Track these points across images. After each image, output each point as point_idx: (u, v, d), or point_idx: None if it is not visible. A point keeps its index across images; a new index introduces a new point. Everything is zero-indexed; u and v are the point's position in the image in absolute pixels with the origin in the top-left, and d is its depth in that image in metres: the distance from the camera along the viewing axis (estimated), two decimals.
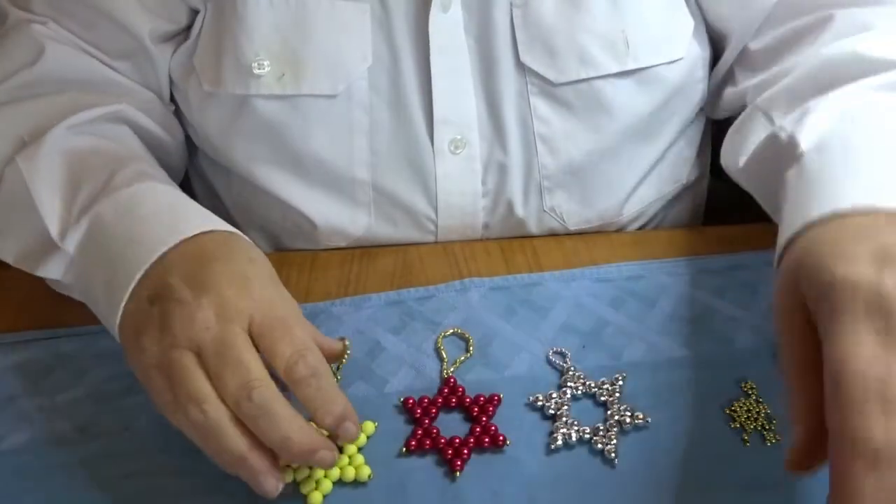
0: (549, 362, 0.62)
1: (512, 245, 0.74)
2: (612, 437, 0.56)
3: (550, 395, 0.59)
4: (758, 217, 0.72)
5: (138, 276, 0.54)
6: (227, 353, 0.49)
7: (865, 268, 0.39)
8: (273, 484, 0.50)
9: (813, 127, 0.55)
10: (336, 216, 0.72)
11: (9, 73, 0.67)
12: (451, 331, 0.64)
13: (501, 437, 0.56)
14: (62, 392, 0.60)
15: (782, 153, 0.57)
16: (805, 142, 0.54)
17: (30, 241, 0.61)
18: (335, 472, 0.54)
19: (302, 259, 0.72)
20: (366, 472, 0.54)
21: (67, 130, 0.64)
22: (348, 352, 0.60)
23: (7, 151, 0.63)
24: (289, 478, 0.54)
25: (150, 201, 0.58)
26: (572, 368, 0.61)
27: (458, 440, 0.56)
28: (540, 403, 0.59)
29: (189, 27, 0.70)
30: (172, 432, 0.57)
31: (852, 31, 0.62)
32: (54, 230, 0.59)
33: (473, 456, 0.56)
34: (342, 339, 0.60)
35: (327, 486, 0.54)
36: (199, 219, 0.57)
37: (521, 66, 0.69)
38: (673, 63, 0.71)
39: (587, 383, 0.60)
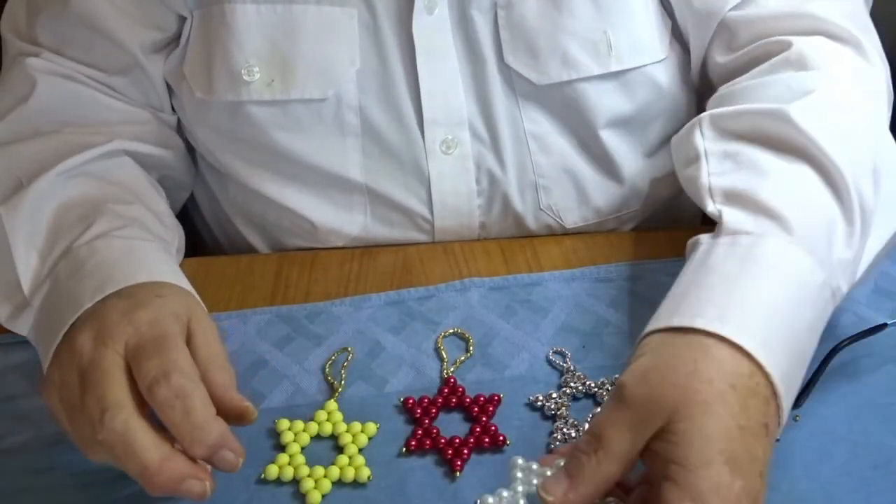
0: (549, 362, 0.62)
1: (512, 245, 0.74)
2: None
3: (550, 395, 0.59)
4: None
5: (62, 332, 0.53)
6: (91, 375, 0.49)
7: (718, 468, 0.42)
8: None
9: (737, 213, 0.54)
10: (332, 217, 0.72)
11: (7, 109, 0.67)
12: (452, 331, 0.64)
13: (501, 437, 0.56)
14: None
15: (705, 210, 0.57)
16: (726, 226, 0.53)
17: (3, 294, 0.60)
18: (335, 473, 0.54)
19: (302, 259, 0.72)
20: (365, 473, 0.54)
21: (57, 177, 0.63)
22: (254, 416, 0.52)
23: (6, 194, 0.63)
24: (288, 477, 0.54)
25: (94, 260, 0.57)
26: (572, 368, 0.61)
27: (458, 440, 0.56)
28: (540, 403, 0.59)
29: (178, 35, 0.70)
30: None
31: (799, 65, 0.61)
32: (27, 288, 0.58)
33: (473, 456, 0.56)
34: (247, 406, 0.51)
35: (327, 485, 0.54)
36: (134, 271, 0.55)
37: (505, 68, 0.69)
38: (656, 63, 0.70)
39: (587, 383, 0.60)
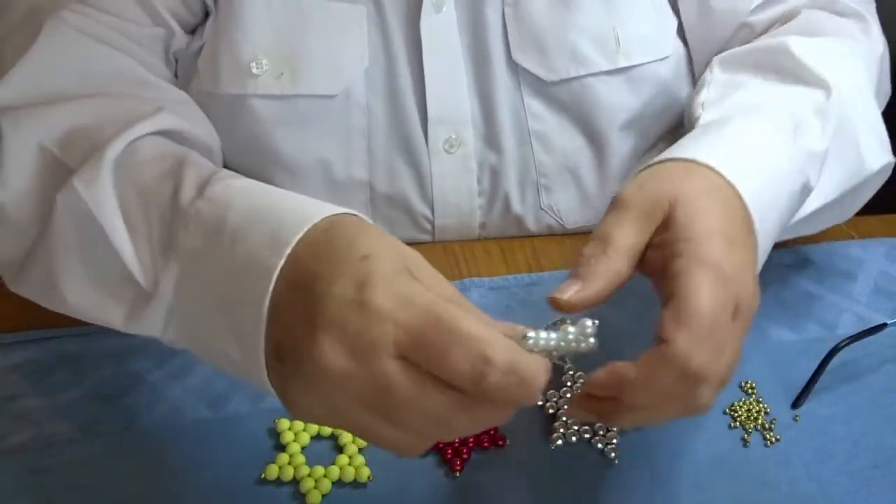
0: (555, 365, 0.62)
1: (512, 245, 0.74)
2: (613, 436, 0.56)
3: (551, 393, 0.59)
4: None
5: (266, 303, 0.42)
6: (392, 397, 0.39)
7: (721, 245, 0.46)
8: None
9: (714, 107, 0.60)
10: None
11: (14, 60, 0.58)
12: None
13: (501, 438, 0.56)
14: (62, 392, 0.60)
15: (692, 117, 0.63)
16: (703, 119, 0.60)
17: (106, 288, 0.50)
18: (335, 473, 0.54)
19: None
20: (365, 473, 0.54)
21: (127, 147, 0.53)
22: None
23: (32, 165, 0.54)
24: (288, 476, 0.54)
25: (234, 210, 0.46)
26: (572, 368, 0.61)
27: (457, 440, 0.56)
28: (540, 402, 0.59)
29: (195, 28, 0.69)
30: (172, 432, 0.57)
31: (809, 31, 0.66)
32: (142, 278, 0.48)
33: (473, 456, 0.56)
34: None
35: (327, 485, 0.54)
36: (291, 214, 0.45)
37: (513, 65, 0.69)
38: (661, 61, 0.71)
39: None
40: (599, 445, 0.56)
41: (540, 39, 0.68)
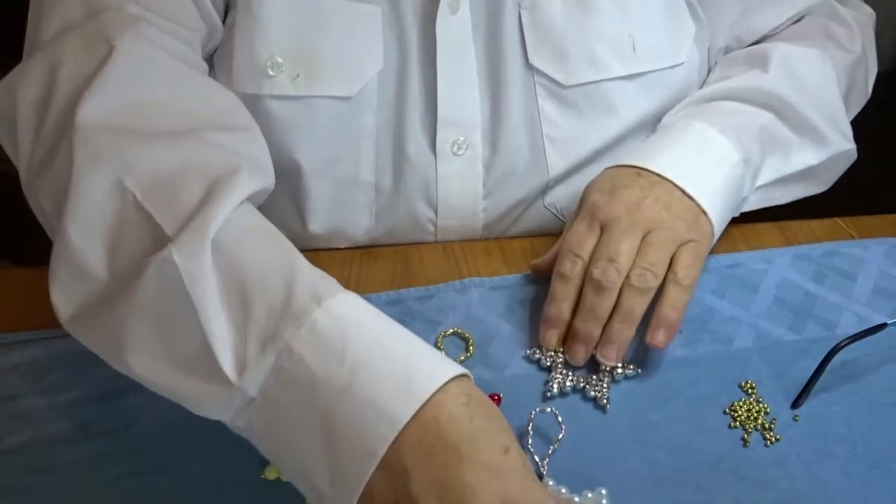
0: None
1: (512, 245, 0.74)
2: (604, 385, 0.60)
3: (546, 351, 0.62)
4: (757, 217, 0.73)
5: (382, 453, 0.43)
6: None
7: (598, 195, 0.64)
8: None
9: (672, 114, 0.73)
10: (338, 218, 0.72)
11: (91, 71, 0.53)
12: (451, 331, 0.64)
13: (496, 394, 0.57)
14: (62, 392, 0.60)
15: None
16: (660, 124, 0.72)
17: (181, 364, 0.47)
18: None
19: None
20: None
21: (230, 218, 0.49)
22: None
23: (109, 208, 0.49)
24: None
25: (357, 336, 0.45)
26: None
27: None
28: (537, 356, 0.62)
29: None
30: (172, 432, 0.57)
31: (799, 36, 0.76)
32: (228, 363, 0.46)
33: None
34: None
35: None
36: (428, 360, 0.46)
37: (529, 68, 0.69)
38: (675, 67, 0.72)
39: None
40: (592, 393, 0.60)
41: (558, 43, 0.68)
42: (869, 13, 0.81)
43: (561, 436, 0.56)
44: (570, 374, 0.61)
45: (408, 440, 0.43)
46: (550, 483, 0.54)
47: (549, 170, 0.72)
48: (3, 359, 0.62)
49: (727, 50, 0.78)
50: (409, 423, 0.43)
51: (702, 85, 0.78)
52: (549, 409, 0.57)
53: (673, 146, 0.67)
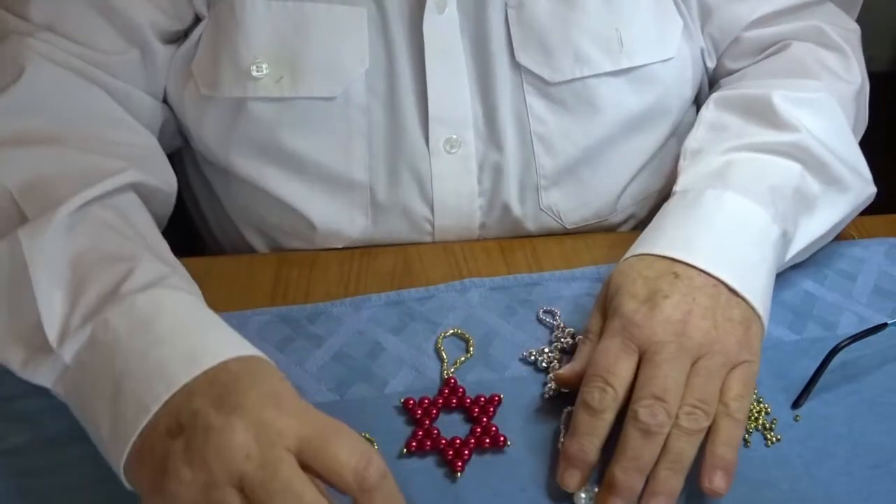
0: (540, 321, 0.65)
1: (512, 245, 0.74)
2: None
3: (542, 349, 0.62)
4: None
5: (153, 410, 0.47)
6: (275, 482, 0.43)
7: (633, 304, 0.56)
8: None
9: (693, 173, 0.65)
10: (334, 218, 0.72)
11: None
12: (452, 331, 0.64)
13: (502, 438, 0.56)
14: None
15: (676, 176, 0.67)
16: (679, 185, 0.65)
17: (15, 332, 0.53)
18: None
19: (302, 259, 0.72)
20: None
21: (78, 210, 0.55)
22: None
23: (22, 216, 0.56)
24: None
25: (165, 316, 0.50)
26: (561, 325, 0.64)
27: (458, 441, 0.56)
28: (533, 358, 0.62)
29: (188, 31, 0.70)
30: None
31: (795, 70, 0.71)
32: (52, 333, 0.51)
33: (474, 457, 0.56)
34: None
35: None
36: (221, 343, 0.50)
37: (516, 66, 0.69)
38: (664, 62, 0.71)
39: (577, 337, 0.63)
40: None
41: (544, 40, 0.68)
42: (853, 28, 0.77)
43: None
44: None
45: (192, 384, 0.47)
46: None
47: (538, 167, 0.72)
48: None
49: (709, 51, 0.75)
50: (187, 383, 0.47)
51: (698, 84, 0.77)
52: None
53: (708, 228, 0.59)
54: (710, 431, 0.52)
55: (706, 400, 0.52)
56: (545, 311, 0.66)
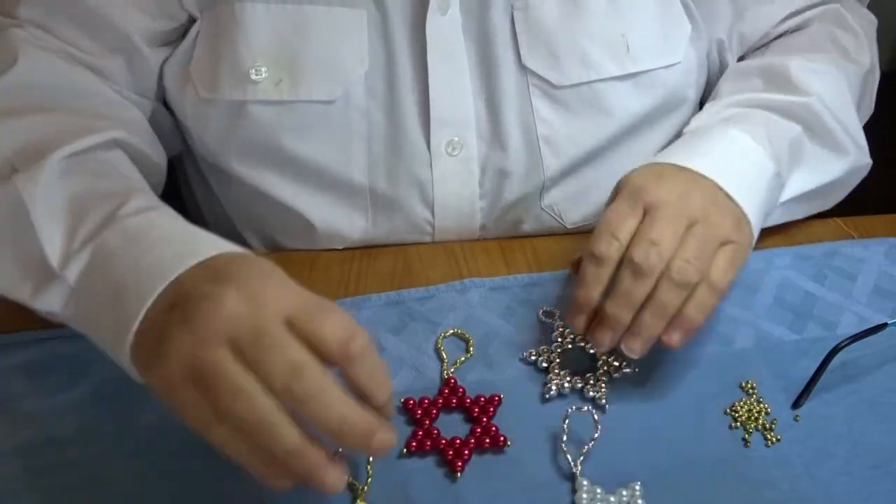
0: (539, 320, 0.65)
1: (512, 245, 0.74)
2: (603, 385, 0.60)
3: (542, 349, 0.62)
4: None
5: (150, 299, 0.49)
6: (266, 338, 0.45)
7: (642, 179, 0.60)
8: (337, 476, 0.46)
9: (703, 118, 0.70)
10: (334, 219, 0.72)
11: None
12: (452, 331, 0.64)
13: (502, 438, 0.56)
14: (62, 392, 0.60)
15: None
16: (688, 127, 0.70)
17: (22, 268, 0.56)
18: None
19: (302, 259, 0.72)
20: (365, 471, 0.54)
21: (67, 158, 0.59)
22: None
23: (16, 167, 0.59)
24: None
25: (158, 228, 0.54)
26: (561, 325, 0.64)
27: (458, 441, 0.56)
28: (533, 358, 0.62)
29: (183, 33, 0.70)
30: (172, 432, 0.57)
31: (810, 46, 0.75)
32: (54, 259, 0.54)
33: (474, 457, 0.56)
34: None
35: None
36: (211, 243, 0.52)
37: (522, 69, 0.69)
38: (670, 67, 0.71)
39: (575, 337, 0.63)
40: (591, 393, 0.59)
41: (551, 44, 0.68)
42: (871, 19, 0.81)
43: (597, 435, 0.56)
44: (567, 375, 0.61)
45: (184, 277, 0.49)
46: (585, 483, 0.54)
47: (545, 170, 0.72)
48: (3, 359, 0.62)
49: (733, 49, 0.77)
50: (181, 273, 0.49)
51: (704, 86, 0.77)
52: (584, 408, 0.57)
53: (711, 150, 0.64)
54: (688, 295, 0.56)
55: (699, 257, 0.56)
56: (545, 312, 0.66)
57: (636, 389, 0.61)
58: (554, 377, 0.60)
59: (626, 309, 0.56)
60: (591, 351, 0.62)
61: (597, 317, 0.57)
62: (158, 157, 0.71)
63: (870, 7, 0.82)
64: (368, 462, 0.55)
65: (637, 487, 0.54)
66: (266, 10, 0.65)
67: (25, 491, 0.54)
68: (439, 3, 0.66)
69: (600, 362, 0.61)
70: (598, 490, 0.53)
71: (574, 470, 0.55)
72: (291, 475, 0.46)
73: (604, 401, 0.59)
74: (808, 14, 0.78)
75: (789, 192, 0.69)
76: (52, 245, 0.55)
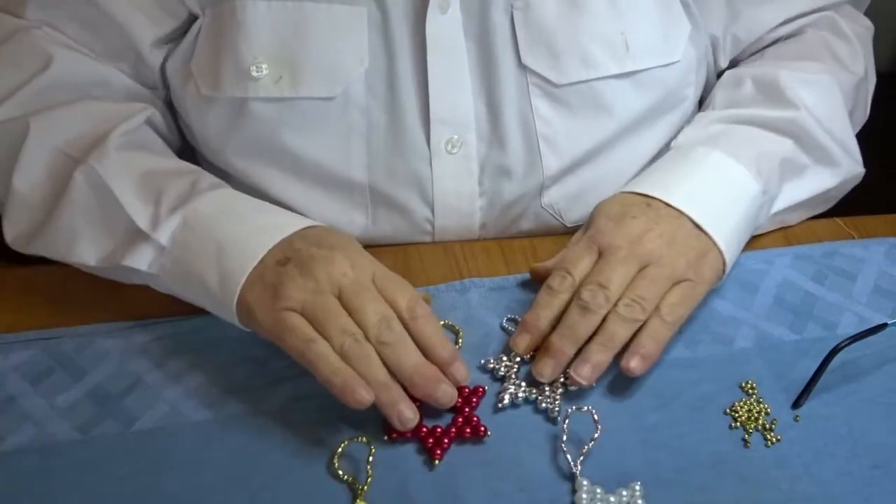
0: (503, 329, 0.65)
1: (512, 245, 0.73)
2: (557, 396, 0.59)
3: (501, 358, 0.62)
4: None
5: (262, 254, 0.59)
6: (365, 293, 0.58)
7: (604, 220, 0.65)
8: (411, 413, 0.55)
9: (689, 134, 0.72)
10: (334, 218, 0.72)
11: (22, 81, 0.66)
12: (442, 322, 0.64)
13: (482, 428, 0.57)
14: (62, 392, 0.60)
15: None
16: (674, 143, 0.72)
17: (111, 239, 0.62)
18: None
19: None
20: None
21: (122, 137, 0.64)
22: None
23: (48, 162, 0.64)
24: None
25: (246, 202, 0.64)
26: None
27: (439, 429, 0.56)
28: (491, 366, 0.61)
29: (184, 31, 0.70)
30: (172, 432, 0.57)
31: (804, 54, 0.76)
32: (143, 222, 0.61)
33: (473, 457, 0.56)
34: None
35: None
36: (296, 218, 0.64)
37: (522, 68, 0.69)
38: (670, 66, 0.71)
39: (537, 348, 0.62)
40: (544, 405, 0.59)
41: (551, 43, 0.68)
42: (867, 25, 0.81)
43: (596, 435, 0.56)
44: (522, 385, 0.60)
45: (290, 238, 0.60)
46: (585, 484, 0.54)
47: (545, 169, 0.72)
48: (4, 359, 0.62)
49: (726, 50, 0.77)
50: (285, 237, 0.60)
51: (703, 85, 0.77)
52: (585, 408, 0.57)
53: (690, 176, 0.67)
54: (640, 328, 0.60)
55: (645, 297, 0.60)
56: (509, 320, 0.65)
57: (637, 389, 0.61)
58: (509, 386, 0.60)
59: (570, 341, 0.59)
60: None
61: (542, 347, 0.61)
62: (175, 139, 0.76)
63: (869, 7, 0.82)
64: (368, 462, 0.55)
65: (637, 487, 0.54)
66: (267, 8, 0.65)
67: (26, 492, 0.54)
68: (440, 1, 0.66)
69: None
70: (598, 490, 0.53)
71: (574, 470, 0.55)
72: (372, 399, 0.54)
73: (556, 413, 0.58)
74: (803, 21, 0.77)
75: (781, 202, 0.71)
76: (139, 213, 0.61)
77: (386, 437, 0.56)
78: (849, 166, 0.73)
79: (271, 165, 0.71)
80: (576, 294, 0.61)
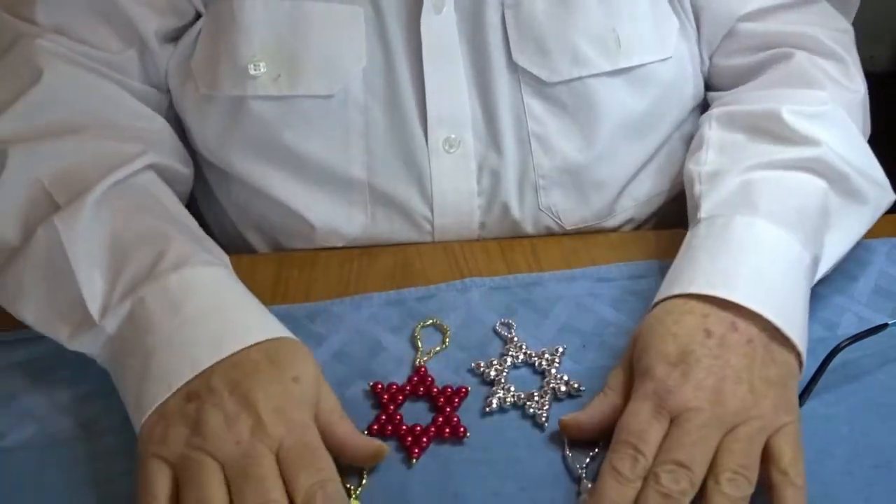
0: (495, 332, 0.64)
1: (512, 245, 0.74)
2: (545, 402, 0.58)
3: (491, 361, 0.61)
4: None
5: (176, 387, 0.52)
6: (252, 469, 0.49)
7: (664, 368, 0.54)
8: None
9: (715, 197, 0.63)
10: (333, 216, 0.72)
11: (14, 96, 0.63)
12: (430, 321, 0.65)
13: (462, 429, 0.57)
14: (65, 389, 0.60)
15: (692, 201, 0.67)
16: (704, 211, 0.63)
17: (59, 310, 0.58)
18: None
19: (302, 259, 0.72)
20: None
21: (108, 191, 0.60)
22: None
23: (23, 194, 0.60)
24: None
25: (196, 298, 0.56)
26: (515, 339, 0.63)
27: (418, 428, 0.57)
28: (481, 370, 0.61)
29: (187, 28, 0.70)
30: None
31: (799, 80, 0.70)
32: (94, 307, 0.56)
33: (473, 457, 0.56)
34: (380, 445, 0.54)
35: None
36: (246, 326, 0.55)
37: (513, 66, 0.69)
38: (663, 61, 0.71)
39: (527, 352, 0.62)
40: (532, 410, 0.58)
41: (541, 41, 0.68)
42: (846, 29, 0.76)
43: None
44: (511, 389, 0.59)
45: (205, 373, 0.53)
46: (590, 485, 0.53)
47: (536, 168, 0.72)
48: (6, 356, 0.62)
49: (703, 38, 0.75)
50: (209, 366, 0.53)
51: (702, 84, 0.77)
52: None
53: (744, 261, 0.58)
54: (773, 501, 0.50)
55: (748, 465, 0.50)
56: (502, 324, 0.65)
57: None
58: (497, 390, 0.59)
59: None
60: (542, 368, 0.61)
61: None
62: (186, 165, 0.72)
63: (870, 7, 0.81)
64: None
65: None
66: (264, 6, 0.66)
67: (28, 488, 0.54)
68: (434, 1, 0.66)
69: (547, 379, 0.60)
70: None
71: (579, 471, 0.54)
72: None
73: (544, 419, 0.57)
74: (777, 27, 0.73)
75: (825, 265, 0.63)
76: (92, 293, 0.56)
77: (366, 432, 0.56)
78: (879, 197, 0.67)
79: (270, 164, 0.71)
80: (652, 474, 0.50)
